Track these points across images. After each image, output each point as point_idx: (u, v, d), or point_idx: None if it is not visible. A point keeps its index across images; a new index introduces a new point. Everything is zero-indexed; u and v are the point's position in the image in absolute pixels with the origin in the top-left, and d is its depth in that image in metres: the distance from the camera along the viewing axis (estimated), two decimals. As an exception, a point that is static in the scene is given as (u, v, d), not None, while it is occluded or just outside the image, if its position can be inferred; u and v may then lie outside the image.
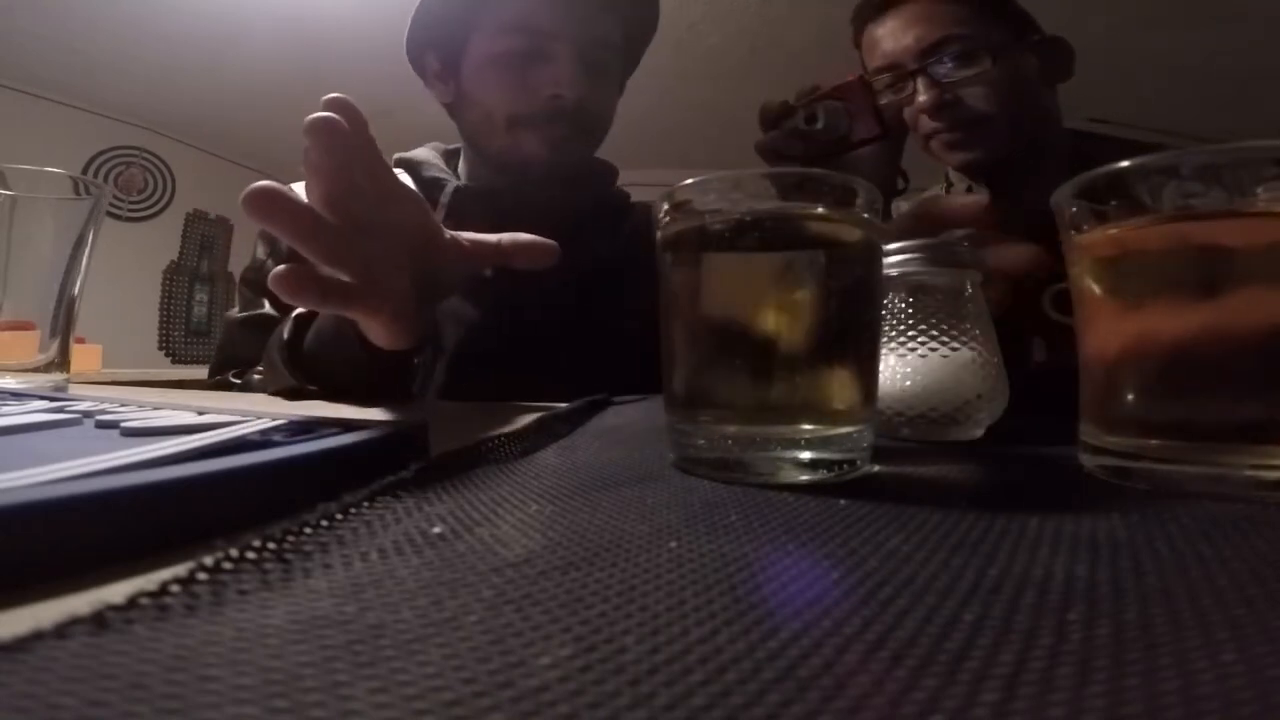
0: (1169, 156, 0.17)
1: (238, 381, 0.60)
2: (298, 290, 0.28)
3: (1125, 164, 0.18)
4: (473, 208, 0.60)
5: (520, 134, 0.59)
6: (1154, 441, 0.18)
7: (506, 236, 0.38)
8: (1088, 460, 0.19)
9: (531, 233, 0.60)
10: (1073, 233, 0.20)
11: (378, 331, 0.36)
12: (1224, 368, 0.17)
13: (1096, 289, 0.20)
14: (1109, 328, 0.19)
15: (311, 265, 0.29)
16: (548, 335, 0.62)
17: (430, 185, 0.64)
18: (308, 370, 0.43)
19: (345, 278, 0.30)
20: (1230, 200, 0.17)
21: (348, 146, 0.28)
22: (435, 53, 0.63)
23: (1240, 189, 0.17)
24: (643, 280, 0.71)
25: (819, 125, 0.51)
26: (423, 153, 0.69)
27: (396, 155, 0.69)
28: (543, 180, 0.61)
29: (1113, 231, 0.19)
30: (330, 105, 0.28)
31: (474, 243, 0.37)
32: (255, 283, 0.65)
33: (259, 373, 0.56)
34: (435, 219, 0.36)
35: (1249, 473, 0.16)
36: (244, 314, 0.63)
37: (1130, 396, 0.18)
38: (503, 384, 0.47)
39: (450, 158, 0.71)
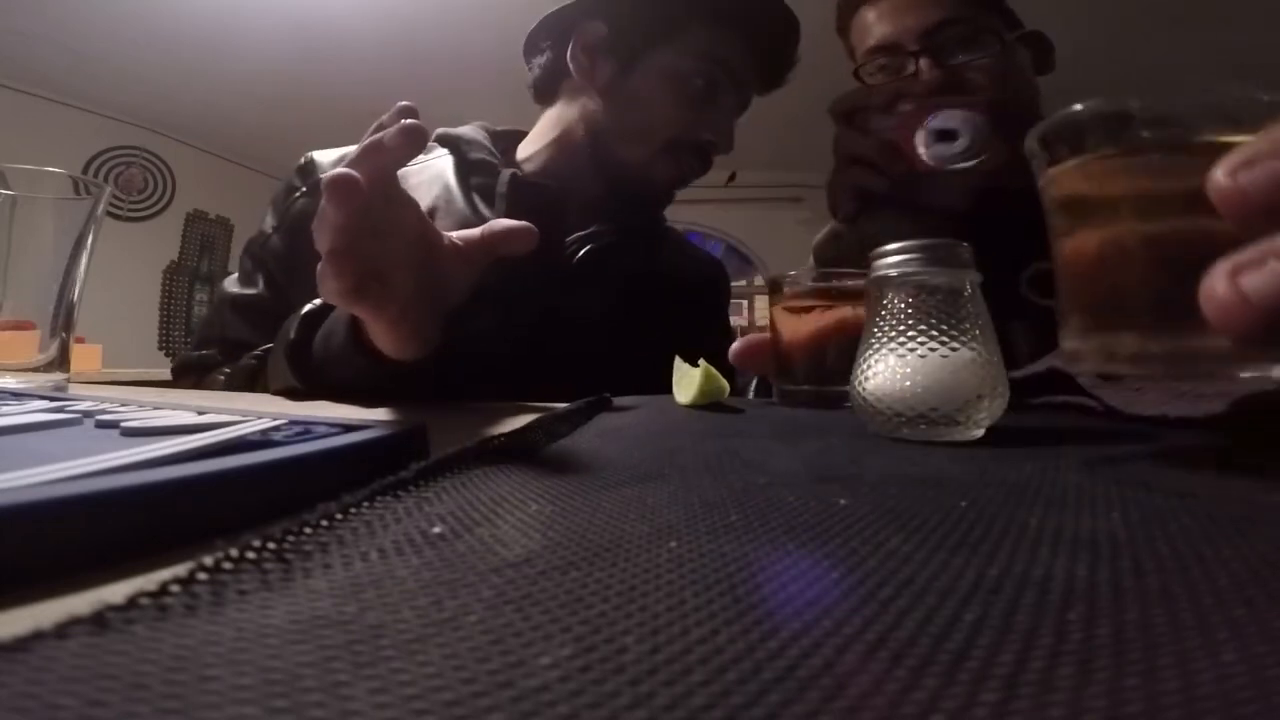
0: (1122, 103, 0.20)
1: (201, 352, 0.59)
2: (339, 272, 0.31)
3: (1079, 108, 0.21)
4: (528, 198, 0.58)
5: (664, 157, 0.60)
6: (1128, 335, 0.20)
7: (486, 226, 0.38)
8: (1073, 366, 0.22)
9: (575, 231, 0.61)
10: (1048, 167, 0.22)
11: (385, 334, 0.37)
12: (1185, 267, 0.17)
13: (1069, 216, 0.22)
14: (1081, 244, 0.21)
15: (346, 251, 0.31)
16: (581, 343, 0.60)
17: (479, 168, 0.62)
18: (312, 374, 0.42)
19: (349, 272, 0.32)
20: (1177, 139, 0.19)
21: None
22: (608, 28, 0.60)
23: (1185, 133, 0.19)
24: (669, 303, 0.70)
25: (959, 144, 0.44)
26: (470, 131, 0.66)
27: (439, 130, 0.66)
28: (641, 197, 0.63)
29: (1080, 161, 0.21)
30: (402, 112, 0.31)
31: (465, 240, 0.38)
32: (256, 256, 0.64)
33: (255, 357, 0.55)
34: (431, 223, 0.36)
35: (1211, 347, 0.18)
36: (237, 292, 0.62)
37: (1107, 299, 0.20)
38: (532, 388, 0.46)
39: (497, 140, 0.67)
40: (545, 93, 0.67)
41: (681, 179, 0.63)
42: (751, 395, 0.44)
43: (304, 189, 0.63)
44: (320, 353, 0.42)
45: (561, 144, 0.64)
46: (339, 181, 0.29)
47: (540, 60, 0.66)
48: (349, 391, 0.41)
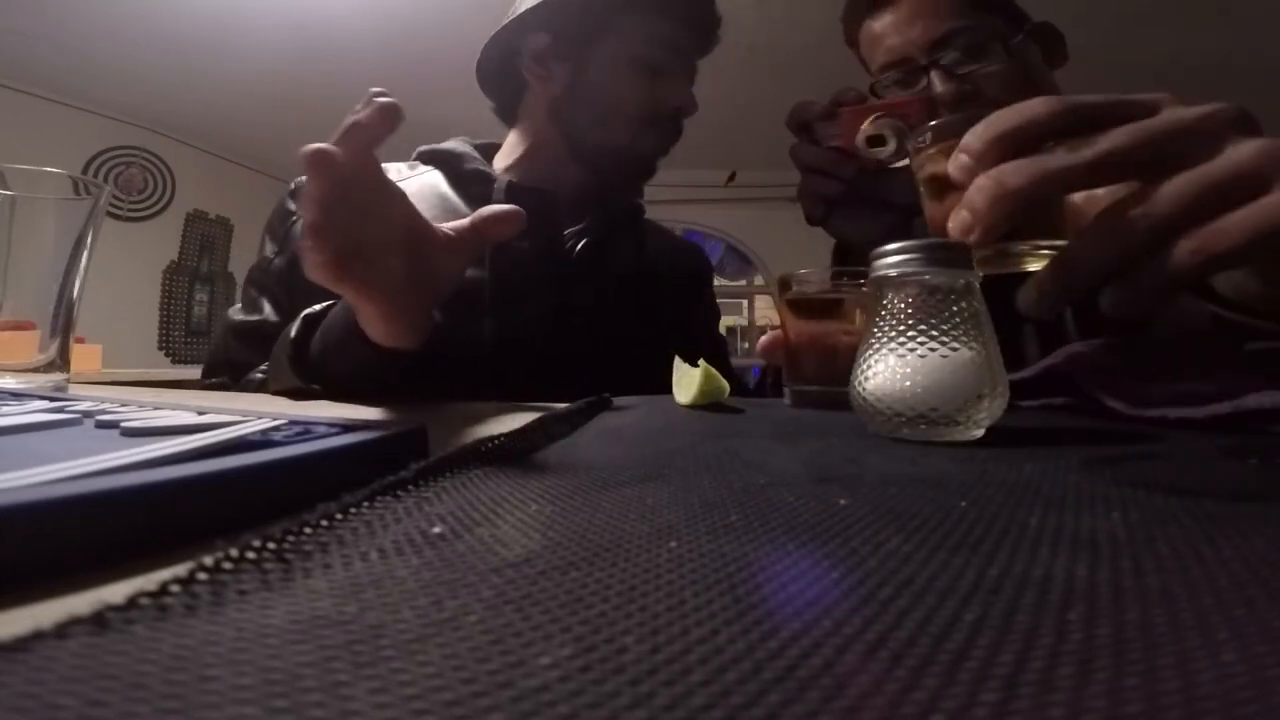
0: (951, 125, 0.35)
1: (211, 380, 0.60)
2: (319, 245, 0.32)
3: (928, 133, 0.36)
4: (524, 202, 0.60)
5: (641, 133, 0.64)
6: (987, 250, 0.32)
7: (477, 214, 0.38)
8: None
9: (568, 231, 0.65)
10: (919, 155, 0.37)
11: (374, 319, 0.37)
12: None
13: (927, 184, 0.37)
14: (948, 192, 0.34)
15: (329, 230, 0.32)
16: (583, 337, 0.64)
17: (475, 178, 0.65)
18: (311, 370, 0.43)
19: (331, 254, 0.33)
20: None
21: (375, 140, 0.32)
22: (550, 36, 0.64)
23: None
24: (657, 296, 0.75)
25: (889, 148, 0.47)
26: (457, 145, 0.69)
27: (422, 148, 0.70)
28: (634, 175, 0.67)
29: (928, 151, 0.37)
30: (378, 94, 0.31)
31: (456, 230, 0.38)
32: (260, 283, 0.64)
33: (262, 371, 0.56)
34: (419, 213, 0.37)
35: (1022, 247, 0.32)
36: (241, 319, 0.63)
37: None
38: (533, 387, 0.47)
39: (480, 151, 0.70)
40: (509, 114, 0.71)
41: (663, 148, 0.66)
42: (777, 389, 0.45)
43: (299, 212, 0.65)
44: (319, 348, 0.43)
45: (535, 153, 0.68)
46: (316, 154, 0.29)
47: (493, 87, 0.70)
48: (348, 388, 0.41)
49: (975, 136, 0.30)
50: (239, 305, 0.65)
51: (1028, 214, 0.30)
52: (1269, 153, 0.26)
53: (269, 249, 0.65)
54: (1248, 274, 0.33)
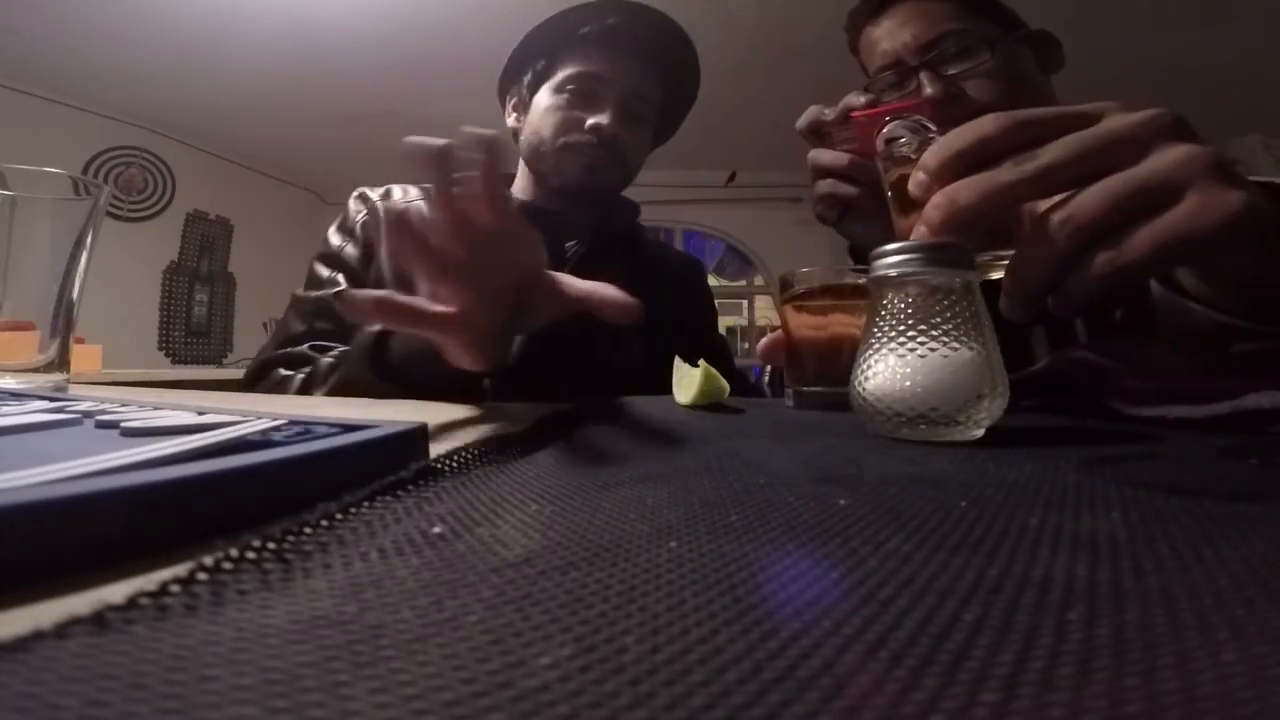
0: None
1: (287, 373, 0.60)
2: (377, 315, 0.32)
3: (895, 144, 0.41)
4: (534, 221, 0.66)
5: (565, 156, 0.72)
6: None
7: (598, 290, 0.37)
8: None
9: (568, 244, 0.72)
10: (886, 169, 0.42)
11: (458, 356, 0.37)
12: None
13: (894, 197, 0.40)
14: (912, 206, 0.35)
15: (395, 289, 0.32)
16: (582, 339, 0.67)
17: None
18: (391, 373, 0.44)
19: (432, 295, 0.33)
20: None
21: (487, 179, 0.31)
22: (517, 87, 0.79)
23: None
24: (655, 302, 0.79)
25: (911, 148, 0.46)
26: None
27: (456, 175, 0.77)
28: (578, 197, 0.74)
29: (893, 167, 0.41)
30: (480, 143, 0.30)
31: (568, 285, 0.37)
32: (333, 264, 0.71)
33: (304, 372, 0.57)
34: (544, 256, 0.37)
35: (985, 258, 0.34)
36: (319, 294, 0.68)
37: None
38: (536, 387, 0.48)
39: (502, 181, 0.78)
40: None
41: (591, 165, 0.72)
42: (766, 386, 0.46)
43: (365, 210, 0.75)
44: (399, 352, 0.44)
45: (521, 177, 0.80)
46: (429, 150, 0.29)
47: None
48: (423, 391, 0.42)
49: (931, 155, 0.32)
50: (306, 285, 0.70)
51: (992, 224, 0.32)
52: (1186, 161, 0.27)
53: (335, 242, 0.73)
54: (1186, 270, 0.35)
